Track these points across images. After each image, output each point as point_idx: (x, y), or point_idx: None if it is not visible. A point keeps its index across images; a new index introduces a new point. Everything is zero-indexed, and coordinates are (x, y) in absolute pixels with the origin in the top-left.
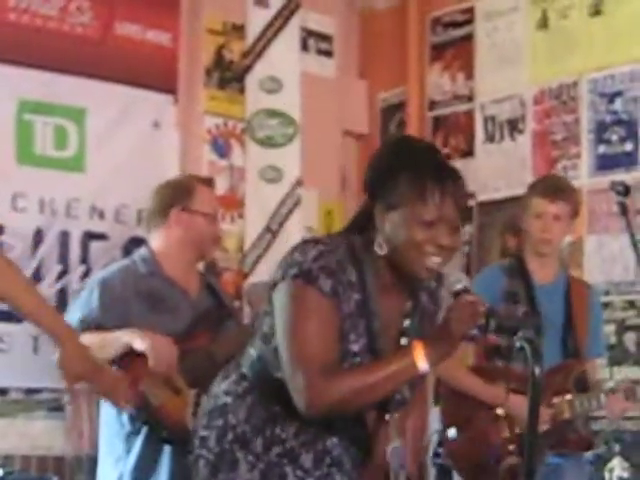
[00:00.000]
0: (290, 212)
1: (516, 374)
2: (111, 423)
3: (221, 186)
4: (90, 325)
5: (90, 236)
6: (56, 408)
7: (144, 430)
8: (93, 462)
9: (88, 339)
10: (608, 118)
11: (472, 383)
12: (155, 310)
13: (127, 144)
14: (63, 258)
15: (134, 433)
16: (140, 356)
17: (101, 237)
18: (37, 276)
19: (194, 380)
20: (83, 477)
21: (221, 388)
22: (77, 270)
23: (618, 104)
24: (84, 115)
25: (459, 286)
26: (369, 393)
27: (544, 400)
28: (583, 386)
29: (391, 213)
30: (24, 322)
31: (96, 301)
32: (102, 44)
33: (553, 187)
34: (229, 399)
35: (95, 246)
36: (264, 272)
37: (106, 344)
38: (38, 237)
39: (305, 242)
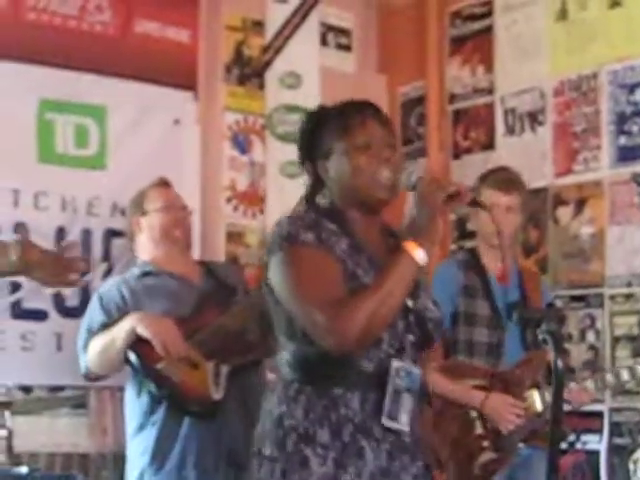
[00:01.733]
0: None
1: (482, 370)
2: (136, 415)
3: (242, 182)
4: (96, 330)
5: (112, 233)
6: (80, 405)
7: (163, 406)
8: (117, 459)
9: (97, 342)
10: (628, 109)
11: (447, 386)
12: (154, 297)
13: (148, 141)
14: (85, 256)
15: (153, 409)
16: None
17: (123, 234)
18: None
19: (210, 353)
20: (108, 474)
21: (272, 402)
22: (99, 268)
23: (638, 95)
24: (105, 113)
25: (414, 177)
26: (387, 303)
27: (518, 394)
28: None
29: (330, 160)
30: (47, 320)
31: (97, 308)
32: (121, 42)
33: (506, 179)
34: (283, 407)
35: (117, 243)
36: None
37: (114, 337)
38: (60, 235)
39: (275, 223)
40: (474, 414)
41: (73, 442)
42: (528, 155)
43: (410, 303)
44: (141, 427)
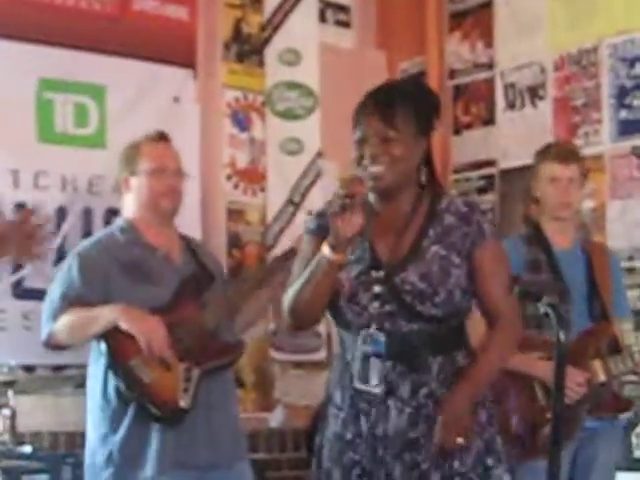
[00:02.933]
0: (312, 184)
1: (546, 342)
2: (97, 399)
3: (242, 159)
4: (73, 300)
5: (113, 212)
6: (83, 384)
7: (132, 406)
8: None
9: (72, 316)
10: (629, 83)
11: (519, 359)
12: (138, 281)
13: (147, 120)
14: (87, 235)
15: (121, 409)
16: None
17: None
18: (61, 254)
19: (184, 352)
20: None
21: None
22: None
23: (639, 69)
24: (104, 92)
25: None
26: (302, 290)
27: (581, 364)
28: (615, 348)
29: None
30: None
31: (76, 274)
32: (120, 20)
33: (565, 151)
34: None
35: None
36: (287, 244)
37: (92, 320)
38: (61, 215)
39: None
40: (538, 385)
41: (76, 421)
42: (529, 130)
43: (375, 275)
44: (106, 435)
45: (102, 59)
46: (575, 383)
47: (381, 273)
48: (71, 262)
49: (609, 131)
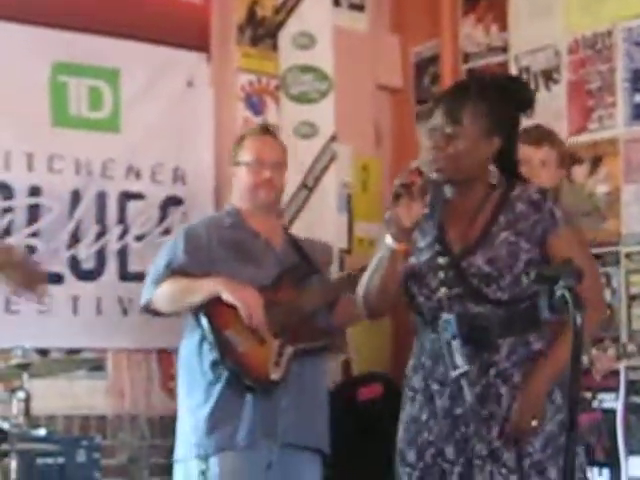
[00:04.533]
0: (326, 168)
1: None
2: (192, 371)
3: None
4: (175, 270)
5: (127, 196)
6: (97, 368)
7: (224, 379)
8: (134, 421)
9: (174, 285)
10: None
11: None
12: (240, 260)
13: (161, 103)
14: (100, 219)
15: (214, 382)
16: (227, 304)
17: (138, 197)
18: (75, 237)
19: (279, 330)
20: (125, 436)
21: None
22: (115, 230)
23: None
24: (118, 76)
25: None
26: (372, 277)
27: None
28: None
29: None
30: (63, 283)
31: (181, 247)
32: (134, 4)
33: (537, 133)
34: None
35: (132, 206)
36: (301, 228)
37: (194, 289)
38: (75, 198)
39: None
40: None
41: (90, 404)
42: (543, 114)
43: (442, 261)
44: (198, 406)
45: (116, 42)
46: None
47: (446, 259)
48: (178, 236)
49: (623, 115)
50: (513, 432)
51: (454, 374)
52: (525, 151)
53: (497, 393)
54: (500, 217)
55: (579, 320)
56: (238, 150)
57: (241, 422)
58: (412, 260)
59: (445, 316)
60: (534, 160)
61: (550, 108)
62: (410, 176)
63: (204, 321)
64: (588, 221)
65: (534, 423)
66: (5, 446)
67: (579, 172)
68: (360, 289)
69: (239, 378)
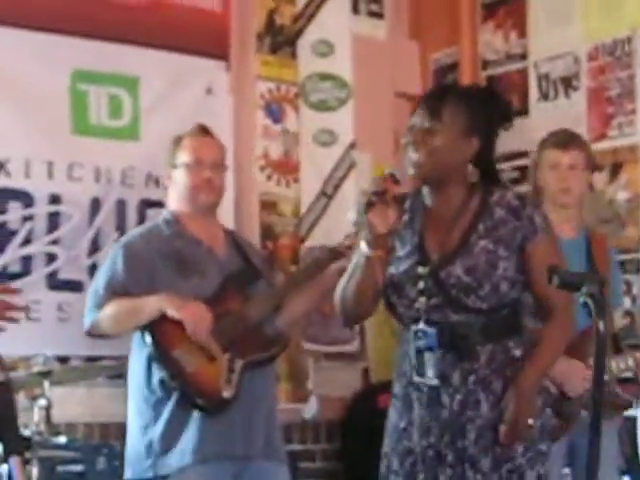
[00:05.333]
0: (345, 175)
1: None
2: (140, 389)
3: (275, 151)
4: (117, 290)
5: (146, 204)
6: (117, 375)
7: (174, 396)
8: None
9: (116, 306)
10: None
11: None
12: (182, 273)
13: (181, 111)
14: (120, 226)
15: (164, 399)
16: (173, 321)
17: (157, 204)
18: (95, 245)
19: (227, 344)
20: None
21: None
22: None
23: None
24: (137, 83)
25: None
26: (347, 287)
27: (584, 361)
28: (616, 347)
29: None
30: (83, 291)
31: (121, 265)
32: (153, 12)
33: (565, 137)
34: None
35: (152, 213)
36: (320, 236)
37: (138, 309)
38: (95, 206)
39: None
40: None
41: (110, 412)
42: (562, 121)
43: (421, 271)
44: (147, 425)
45: (136, 50)
46: (581, 377)
47: (426, 269)
48: (116, 253)
49: None
50: (510, 433)
51: (417, 380)
52: (553, 155)
53: (476, 400)
54: (479, 225)
55: (602, 327)
56: (175, 152)
57: (196, 439)
58: (391, 270)
59: (422, 326)
60: (562, 164)
61: (569, 115)
62: (383, 183)
63: (149, 340)
64: (608, 228)
65: (530, 422)
66: (27, 454)
67: (599, 179)
68: (336, 295)
69: (190, 398)
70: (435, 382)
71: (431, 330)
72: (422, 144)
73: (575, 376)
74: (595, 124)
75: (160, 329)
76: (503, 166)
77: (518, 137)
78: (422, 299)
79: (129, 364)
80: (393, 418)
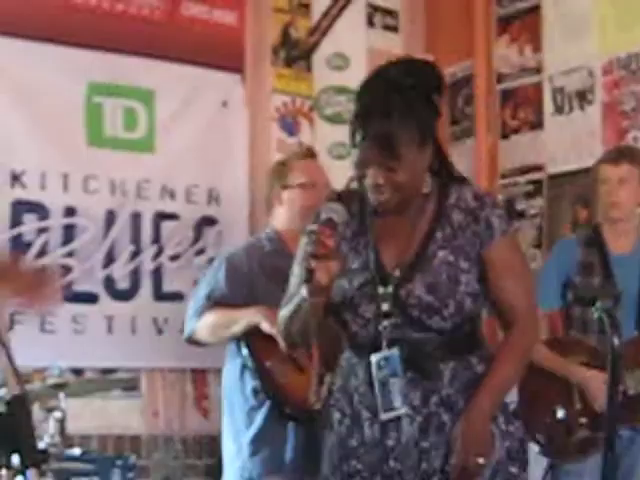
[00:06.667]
0: None
1: (590, 347)
2: (234, 396)
3: None
4: (217, 300)
5: (161, 216)
6: (132, 387)
7: (267, 404)
8: (168, 441)
9: (215, 316)
10: None
11: (548, 356)
12: (282, 287)
13: (196, 124)
14: (135, 239)
15: (256, 407)
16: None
17: (172, 217)
18: (110, 257)
19: (322, 357)
20: (159, 456)
21: None
22: (149, 250)
23: None
24: (153, 96)
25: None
26: (291, 322)
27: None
28: None
29: None
30: (98, 303)
31: (222, 276)
32: (169, 25)
33: (616, 152)
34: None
35: (166, 226)
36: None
37: (234, 320)
38: (110, 218)
39: None
40: (576, 390)
41: (125, 424)
42: (577, 134)
43: (381, 290)
44: (240, 430)
45: (151, 64)
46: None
47: (388, 290)
48: (219, 265)
49: None
50: (458, 470)
51: (385, 417)
52: (603, 170)
53: (440, 422)
54: (437, 233)
55: (617, 342)
56: (285, 174)
57: (285, 447)
58: (344, 283)
59: (383, 353)
60: (613, 178)
61: (584, 129)
62: (321, 240)
63: (245, 351)
64: None
65: (480, 461)
66: (43, 466)
67: None
68: (279, 325)
69: (281, 407)
70: (403, 411)
71: (394, 353)
72: (385, 185)
73: (599, 390)
74: (610, 138)
75: (256, 340)
76: (518, 179)
77: (533, 151)
78: (385, 322)
79: (223, 373)
80: (340, 434)
